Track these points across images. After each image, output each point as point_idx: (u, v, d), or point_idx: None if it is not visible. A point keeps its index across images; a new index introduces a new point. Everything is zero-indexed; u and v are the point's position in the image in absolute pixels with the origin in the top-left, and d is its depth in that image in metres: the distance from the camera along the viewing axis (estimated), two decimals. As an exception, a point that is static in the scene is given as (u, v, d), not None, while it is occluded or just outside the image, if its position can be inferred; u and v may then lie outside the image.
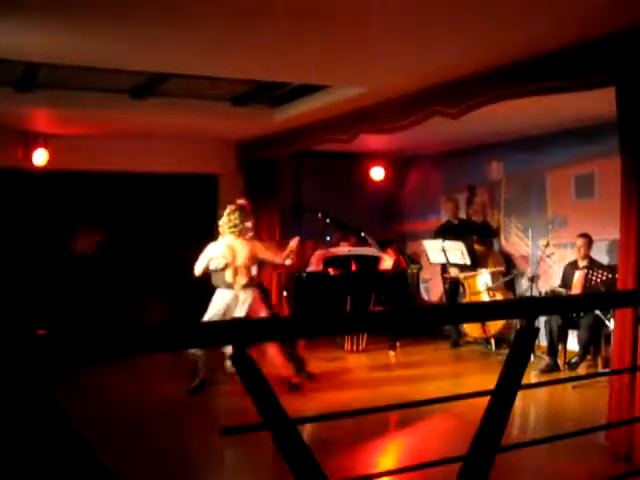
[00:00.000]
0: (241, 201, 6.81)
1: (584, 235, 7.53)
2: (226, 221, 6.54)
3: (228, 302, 6.48)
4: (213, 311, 6.51)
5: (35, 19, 4.30)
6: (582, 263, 7.55)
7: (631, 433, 4.46)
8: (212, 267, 6.49)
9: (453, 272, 9.01)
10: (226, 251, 6.45)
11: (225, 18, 4.32)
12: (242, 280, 6.47)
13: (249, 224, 6.63)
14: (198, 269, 6.55)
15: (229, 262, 6.42)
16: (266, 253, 6.71)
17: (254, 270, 6.65)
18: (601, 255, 7.67)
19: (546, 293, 7.91)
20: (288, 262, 6.80)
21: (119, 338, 1.63)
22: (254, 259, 6.59)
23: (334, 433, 5.10)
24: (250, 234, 6.66)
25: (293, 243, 6.70)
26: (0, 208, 8.60)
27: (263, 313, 6.56)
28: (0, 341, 1.46)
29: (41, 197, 8.96)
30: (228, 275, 6.47)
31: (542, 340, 7.57)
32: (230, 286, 6.48)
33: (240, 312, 6.42)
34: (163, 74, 6.24)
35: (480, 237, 9.23)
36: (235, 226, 6.49)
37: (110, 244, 9.33)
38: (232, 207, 6.60)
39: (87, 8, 4.10)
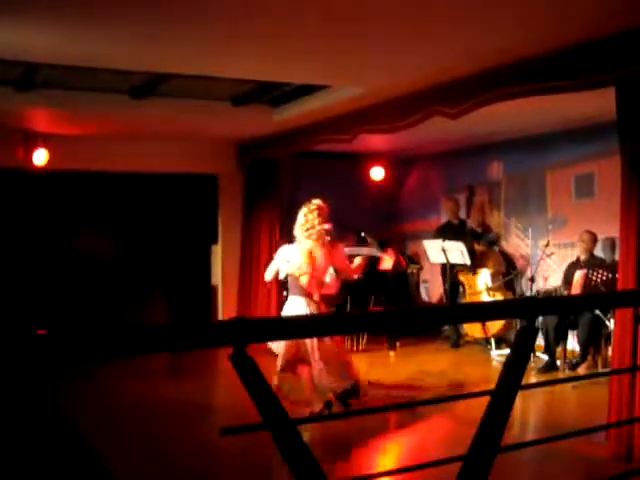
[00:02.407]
0: (317, 201, 6.01)
1: (589, 232, 7.60)
2: (302, 222, 5.86)
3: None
4: None
5: (35, 19, 4.30)
6: (583, 257, 7.58)
7: (631, 433, 4.46)
8: (282, 275, 5.93)
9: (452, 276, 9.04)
10: (304, 258, 5.77)
11: (225, 18, 4.32)
12: (316, 292, 5.82)
13: (327, 227, 5.90)
14: (269, 275, 6.03)
15: (306, 271, 5.73)
16: (344, 263, 6.07)
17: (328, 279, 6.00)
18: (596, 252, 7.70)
19: (538, 293, 7.92)
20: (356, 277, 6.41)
21: (119, 338, 1.64)
22: (328, 268, 5.95)
23: (334, 433, 5.10)
24: (327, 238, 5.90)
25: (359, 260, 6.23)
26: (0, 208, 8.60)
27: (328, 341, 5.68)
28: (0, 341, 1.46)
29: (41, 197, 8.96)
30: (304, 281, 5.76)
31: (539, 339, 7.57)
32: (308, 295, 5.78)
33: None
34: (163, 74, 6.24)
35: (481, 242, 9.23)
36: (312, 228, 5.81)
37: (110, 244, 9.32)
38: (309, 207, 5.92)
39: (87, 8, 4.09)
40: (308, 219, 5.85)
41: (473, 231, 9.30)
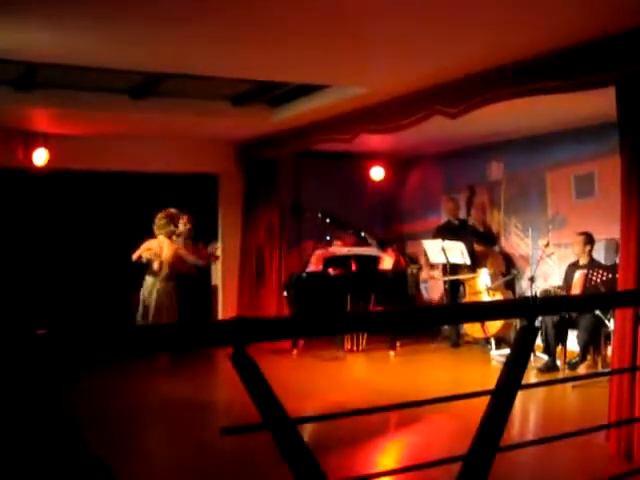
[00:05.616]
0: (172, 210, 8.00)
1: (582, 233, 7.56)
2: (156, 223, 7.94)
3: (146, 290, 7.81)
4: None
5: (35, 19, 4.30)
6: (582, 261, 7.56)
7: (631, 433, 4.46)
8: (144, 259, 7.85)
9: (437, 274, 9.06)
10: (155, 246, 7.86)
11: (225, 18, 4.33)
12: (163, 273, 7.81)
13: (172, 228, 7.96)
14: (135, 256, 7.91)
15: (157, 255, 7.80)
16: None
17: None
18: (597, 254, 7.66)
19: (542, 292, 7.92)
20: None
21: (119, 339, 1.63)
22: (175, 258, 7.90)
23: (334, 433, 5.10)
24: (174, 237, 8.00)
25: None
26: (0, 208, 8.60)
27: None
28: (0, 341, 1.46)
29: (41, 197, 8.95)
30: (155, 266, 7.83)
31: (539, 339, 7.56)
32: (154, 274, 7.82)
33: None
34: (163, 74, 6.24)
35: (481, 242, 9.23)
36: (162, 228, 7.89)
37: (110, 244, 9.32)
38: (163, 213, 7.95)
39: (87, 8, 4.10)
40: (160, 222, 7.87)
41: (475, 230, 9.29)
